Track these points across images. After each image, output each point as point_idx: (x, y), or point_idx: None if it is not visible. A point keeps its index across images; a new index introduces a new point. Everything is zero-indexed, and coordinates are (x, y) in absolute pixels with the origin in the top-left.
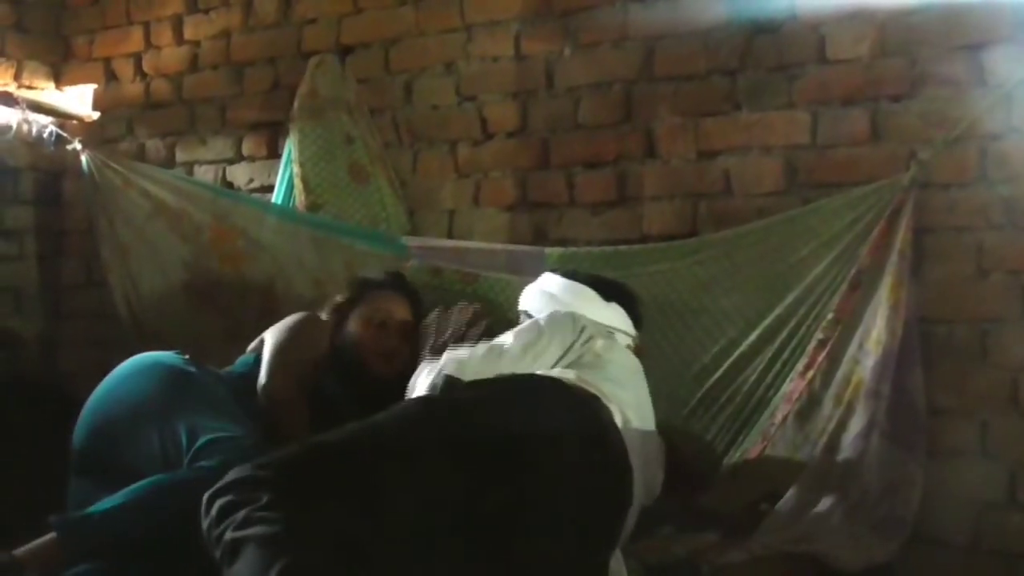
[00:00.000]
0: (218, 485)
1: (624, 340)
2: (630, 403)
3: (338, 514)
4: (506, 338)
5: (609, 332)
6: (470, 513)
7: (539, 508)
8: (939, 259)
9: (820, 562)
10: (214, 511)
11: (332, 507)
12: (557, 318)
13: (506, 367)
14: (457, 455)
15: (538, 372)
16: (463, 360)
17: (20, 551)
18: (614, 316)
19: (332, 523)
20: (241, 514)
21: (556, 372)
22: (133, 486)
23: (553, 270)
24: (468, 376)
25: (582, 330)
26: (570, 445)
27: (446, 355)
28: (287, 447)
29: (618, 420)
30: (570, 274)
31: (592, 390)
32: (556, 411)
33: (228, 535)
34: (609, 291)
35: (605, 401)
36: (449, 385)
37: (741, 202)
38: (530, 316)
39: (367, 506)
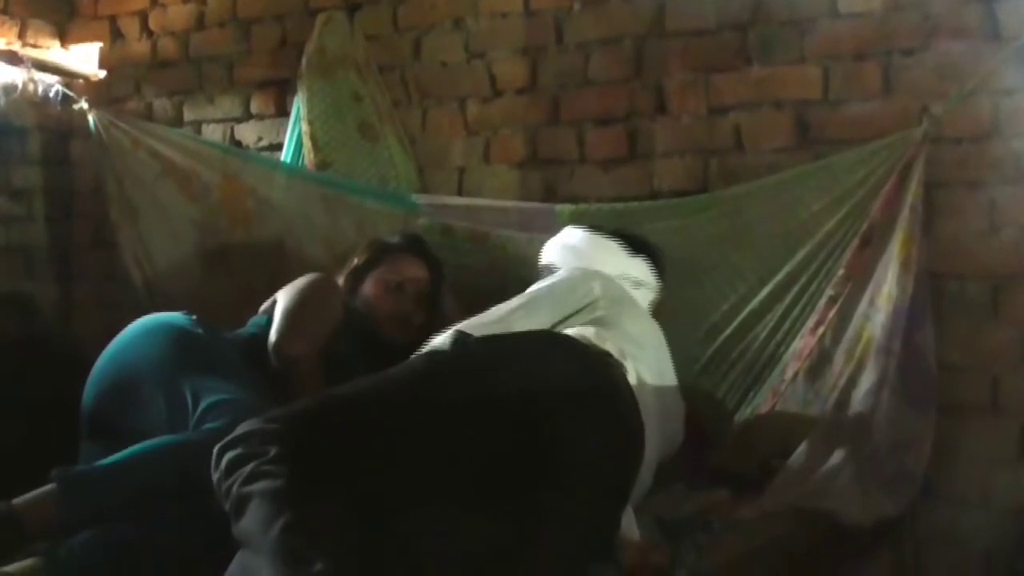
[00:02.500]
0: (228, 438)
1: (649, 294)
2: (645, 359)
3: (346, 469)
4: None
5: (637, 284)
6: (478, 470)
7: (549, 464)
8: (951, 214)
9: (830, 518)
10: (223, 464)
11: (340, 462)
12: (565, 281)
13: (492, 327)
14: (467, 411)
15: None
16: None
17: (18, 501)
18: (640, 269)
19: (339, 478)
20: (248, 468)
21: (572, 330)
22: (136, 446)
23: (575, 225)
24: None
25: (587, 293)
26: (581, 402)
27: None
28: (297, 401)
29: (632, 377)
30: (593, 228)
31: (605, 347)
32: (567, 368)
33: (235, 489)
34: (635, 244)
35: (619, 358)
36: (460, 341)
37: (752, 158)
38: (552, 270)
39: (375, 461)
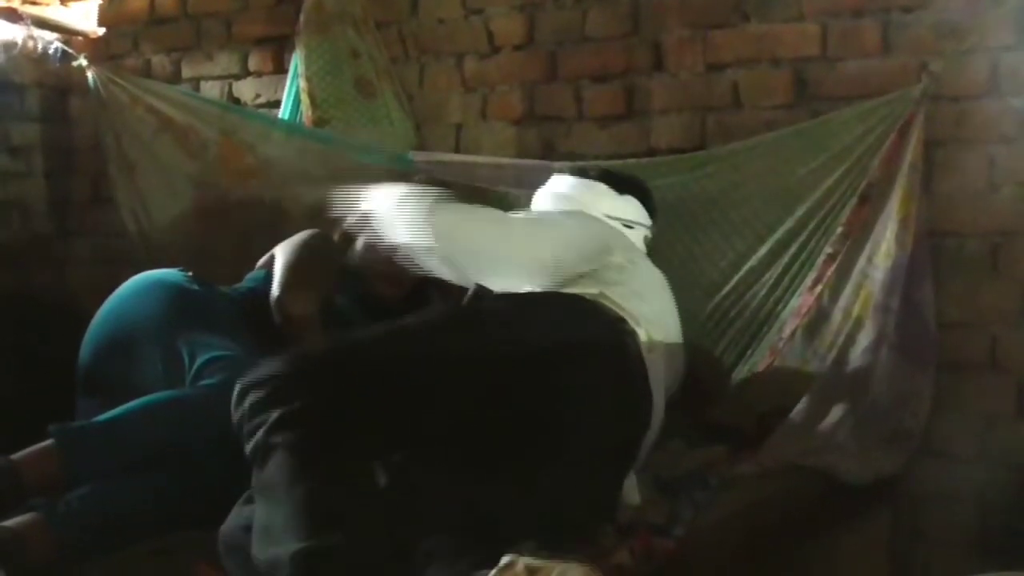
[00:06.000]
0: (252, 378)
1: (643, 232)
2: (654, 319)
3: (365, 423)
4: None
5: (628, 224)
6: (486, 426)
7: (555, 424)
8: (950, 172)
9: (828, 475)
10: (247, 405)
11: (359, 414)
12: (588, 224)
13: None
14: (476, 367)
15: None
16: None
17: (17, 456)
18: (628, 208)
19: (360, 432)
20: (275, 415)
21: (587, 290)
22: (133, 402)
23: (561, 171)
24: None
25: (604, 243)
26: (592, 366)
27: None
28: (315, 345)
29: (643, 340)
30: (580, 171)
31: (617, 311)
32: (580, 331)
33: (260, 436)
34: (621, 184)
35: (632, 324)
36: (477, 295)
37: (750, 115)
38: None
39: (392, 413)
